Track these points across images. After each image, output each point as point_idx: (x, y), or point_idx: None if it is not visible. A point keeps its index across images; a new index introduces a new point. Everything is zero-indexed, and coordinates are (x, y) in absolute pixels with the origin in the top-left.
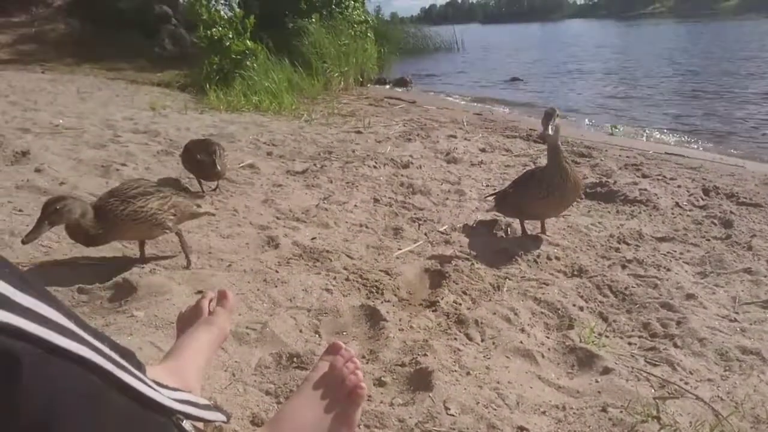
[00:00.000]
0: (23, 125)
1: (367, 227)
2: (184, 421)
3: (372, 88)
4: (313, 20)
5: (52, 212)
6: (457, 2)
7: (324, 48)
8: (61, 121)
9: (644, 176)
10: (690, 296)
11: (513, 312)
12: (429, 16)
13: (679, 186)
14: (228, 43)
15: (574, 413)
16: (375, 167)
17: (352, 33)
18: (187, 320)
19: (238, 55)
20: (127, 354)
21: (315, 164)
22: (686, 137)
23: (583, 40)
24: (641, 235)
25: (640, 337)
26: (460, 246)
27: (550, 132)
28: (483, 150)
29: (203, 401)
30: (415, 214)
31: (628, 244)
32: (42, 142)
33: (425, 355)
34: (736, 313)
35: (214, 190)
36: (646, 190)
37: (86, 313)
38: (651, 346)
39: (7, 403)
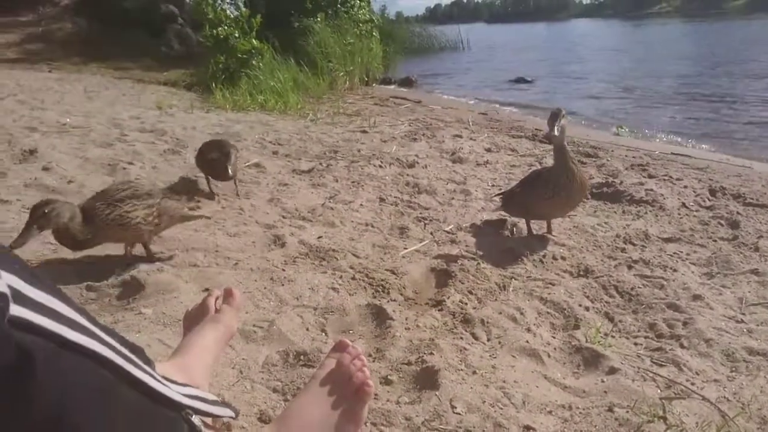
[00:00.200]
0: (31, 124)
1: (372, 226)
2: (193, 417)
3: (377, 88)
4: (319, 19)
5: (40, 216)
6: (463, 1)
7: (329, 47)
8: (68, 119)
9: (650, 176)
10: (696, 297)
11: (519, 312)
12: (434, 16)
13: (685, 186)
14: (234, 43)
15: (580, 413)
16: (380, 167)
17: (358, 32)
18: (194, 318)
19: (244, 54)
20: (137, 350)
21: (321, 163)
22: (693, 137)
23: (590, 39)
24: (647, 236)
25: (646, 337)
26: (466, 245)
27: (556, 133)
28: (488, 150)
29: (212, 397)
30: (420, 213)
31: (634, 245)
32: (49, 140)
33: (431, 353)
34: (743, 314)
35: (237, 194)
36: (652, 190)
37: (95, 310)
38: (657, 347)
39: (20, 396)
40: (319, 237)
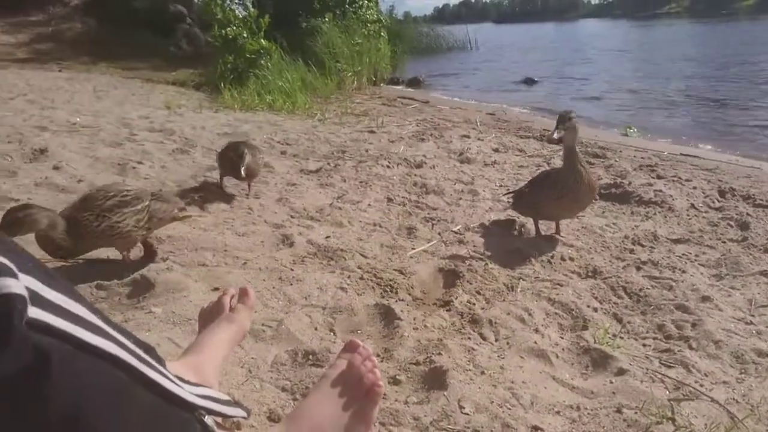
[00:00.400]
0: (41, 123)
1: (380, 226)
2: (206, 417)
3: (385, 88)
4: (327, 20)
5: (12, 221)
6: (471, 1)
7: (337, 47)
8: (78, 119)
9: (659, 177)
10: (705, 298)
11: (527, 312)
12: (442, 16)
13: (694, 187)
14: (242, 43)
15: (588, 414)
16: (388, 167)
17: (366, 32)
18: (209, 316)
19: (253, 54)
20: (149, 350)
21: (329, 163)
22: (702, 138)
23: (598, 40)
24: (656, 237)
25: (654, 338)
26: (474, 246)
27: (555, 137)
28: (496, 150)
29: (224, 397)
30: (428, 213)
31: (642, 246)
32: (59, 140)
33: (440, 354)
34: (752, 315)
35: (248, 194)
36: (661, 191)
37: (105, 309)
38: (666, 348)
39: (36, 397)
40: (327, 237)
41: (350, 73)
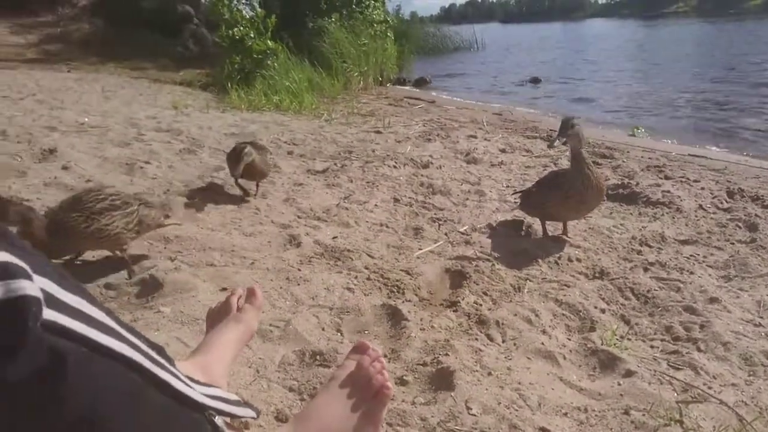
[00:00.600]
0: (50, 123)
1: (387, 227)
2: (216, 417)
3: (391, 88)
4: (333, 20)
5: None
6: (477, 1)
7: (344, 48)
8: (86, 119)
9: (667, 178)
10: (714, 300)
11: (534, 313)
12: (449, 16)
13: (702, 188)
14: (249, 43)
15: (596, 415)
16: (395, 167)
17: (372, 33)
18: (217, 316)
19: (259, 54)
20: (160, 351)
21: (335, 164)
22: (709, 138)
23: (605, 40)
24: (664, 238)
25: (662, 340)
26: (481, 246)
27: (556, 145)
28: (503, 150)
29: (234, 397)
30: (435, 214)
31: (650, 247)
32: (68, 140)
33: (447, 354)
34: (761, 317)
35: (255, 194)
36: (668, 192)
37: (114, 308)
38: (674, 350)
39: (52, 399)
40: (334, 237)
41: (357, 74)
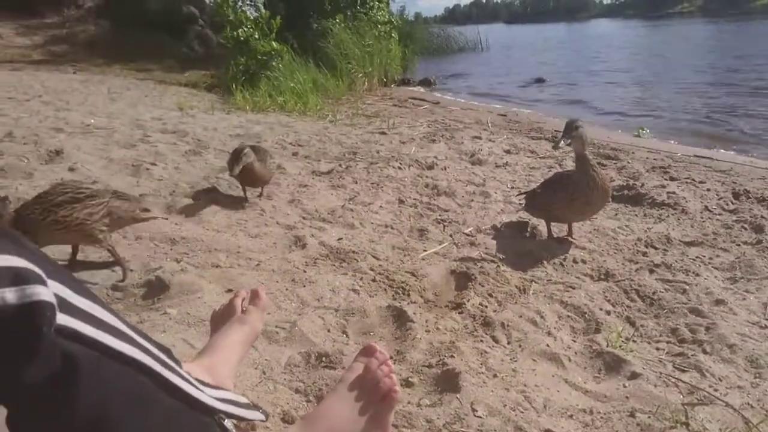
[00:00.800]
0: (56, 125)
1: (392, 228)
2: (226, 420)
3: (396, 89)
4: (338, 21)
5: None
6: (482, 2)
7: (348, 49)
8: (92, 120)
9: (672, 179)
10: (719, 302)
11: (539, 315)
12: (453, 16)
13: (708, 189)
14: (254, 44)
15: (601, 417)
16: (400, 168)
17: (377, 34)
18: (221, 318)
19: (264, 55)
20: (168, 353)
21: (340, 165)
22: (715, 139)
23: (610, 40)
24: (669, 239)
25: (668, 342)
26: (486, 248)
27: (561, 146)
28: (508, 151)
29: (243, 400)
30: (440, 215)
31: (655, 248)
32: (74, 141)
33: (452, 356)
34: (767, 319)
35: (259, 196)
36: (674, 193)
37: (121, 310)
38: (679, 352)
39: (64, 403)
40: (339, 238)
41: (361, 74)
